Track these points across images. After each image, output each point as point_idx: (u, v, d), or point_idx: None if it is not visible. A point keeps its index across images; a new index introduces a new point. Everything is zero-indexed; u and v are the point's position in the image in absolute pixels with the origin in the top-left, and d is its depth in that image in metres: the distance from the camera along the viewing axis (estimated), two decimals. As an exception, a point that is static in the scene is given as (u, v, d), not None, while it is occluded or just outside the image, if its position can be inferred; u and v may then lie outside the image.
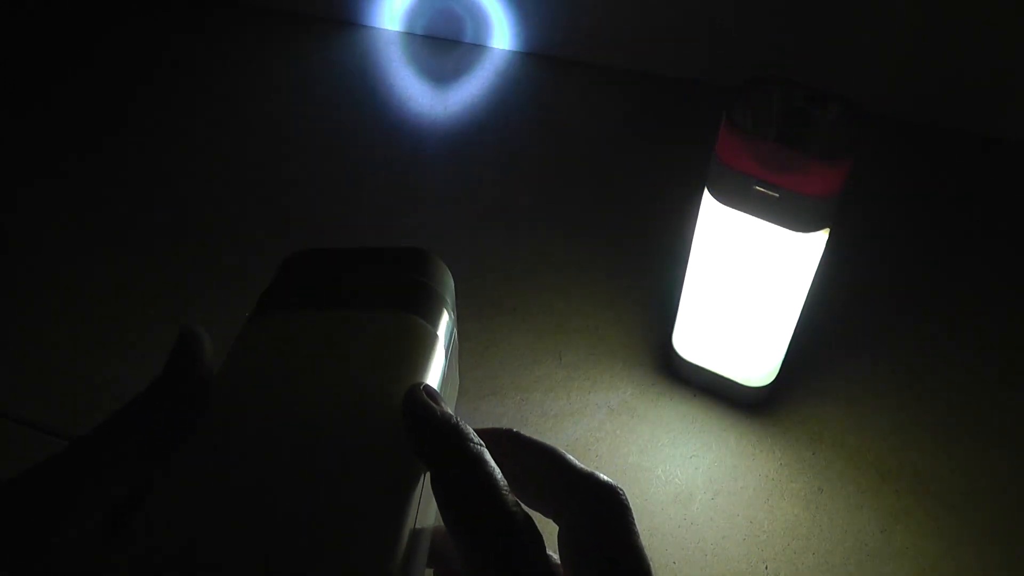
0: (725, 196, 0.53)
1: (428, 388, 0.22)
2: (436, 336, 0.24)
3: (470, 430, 0.21)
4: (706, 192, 0.55)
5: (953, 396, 0.69)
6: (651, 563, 0.21)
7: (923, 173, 0.92)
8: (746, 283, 0.58)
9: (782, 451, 0.65)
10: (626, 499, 0.22)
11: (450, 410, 0.22)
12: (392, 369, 0.23)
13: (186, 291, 0.78)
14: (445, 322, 0.25)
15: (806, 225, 0.52)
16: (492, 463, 0.21)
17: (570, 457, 0.23)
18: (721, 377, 0.66)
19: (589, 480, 0.22)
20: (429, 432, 0.21)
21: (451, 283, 0.27)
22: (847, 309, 0.75)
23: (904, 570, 0.58)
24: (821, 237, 0.53)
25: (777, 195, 0.50)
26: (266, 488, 0.20)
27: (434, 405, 0.21)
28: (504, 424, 0.67)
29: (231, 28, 1.16)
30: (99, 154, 0.95)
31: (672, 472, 0.64)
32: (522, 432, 0.23)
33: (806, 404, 0.68)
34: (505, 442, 0.23)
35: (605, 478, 0.22)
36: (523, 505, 0.21)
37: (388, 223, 0.86)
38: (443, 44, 1.11)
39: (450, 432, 0.21)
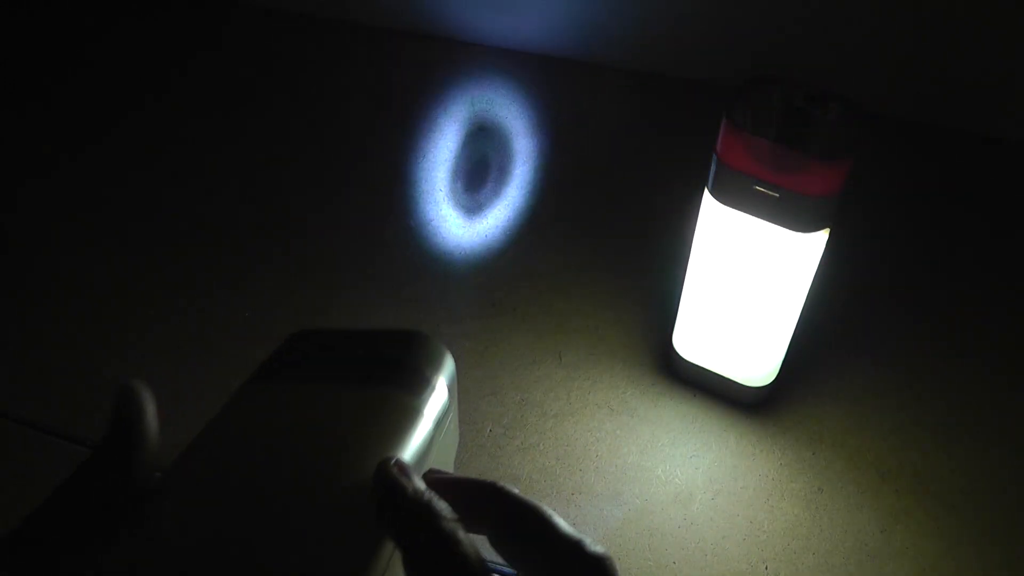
0: (725, 196, 0.53)
1: (399, 463, 0.21)
2: (420, 413, 0.24)
3: (444, 506, 0.20)
4: (706, 192, 0.55)
5: (953, 396, 0.69)
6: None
7: (923, 173, 0.92)
8: (746, 283, 0.58)
9: (782, 451, 0.65)
10: (615, 571, 0.21)
11: (422, 485, 0.21)
12: (366, 442, 0.23)
13: (186, 291, 0.78)
14: (433, 402, 0.25)
15: (806, 225, 0.52)
16: (467, 541, 0.19)
17: (556, 518, 0.21)
18: (721, 377, 0.66)
19: (576, 548, 0.21)
20: (401, 510, 0.20)
21: (450, 365, 0.27)
22: (847, 309, 0.75)
23: (904, 570, 0.58)
24: (821, 237, 0.53)
25: (777, 195, 0.50)
26: (226, 555, 0.20)
27: (405, 482, 0.21)
28: (504, 424, 0.67)
29: (231, 28, 1.16)
30: (99, 154, 0.95)
31: (672, 472, 0.64)
32: (506, 487, 0.22)
33: (806, 404, 0.68)
34: (489, 497, 0.22)
35: (592, 549, 0.21)
36: (509, 565, 0.20)
37: (388, 223, 0.86)
38: (442, 43, 1.11)
39: (422, 511, 0.20)
